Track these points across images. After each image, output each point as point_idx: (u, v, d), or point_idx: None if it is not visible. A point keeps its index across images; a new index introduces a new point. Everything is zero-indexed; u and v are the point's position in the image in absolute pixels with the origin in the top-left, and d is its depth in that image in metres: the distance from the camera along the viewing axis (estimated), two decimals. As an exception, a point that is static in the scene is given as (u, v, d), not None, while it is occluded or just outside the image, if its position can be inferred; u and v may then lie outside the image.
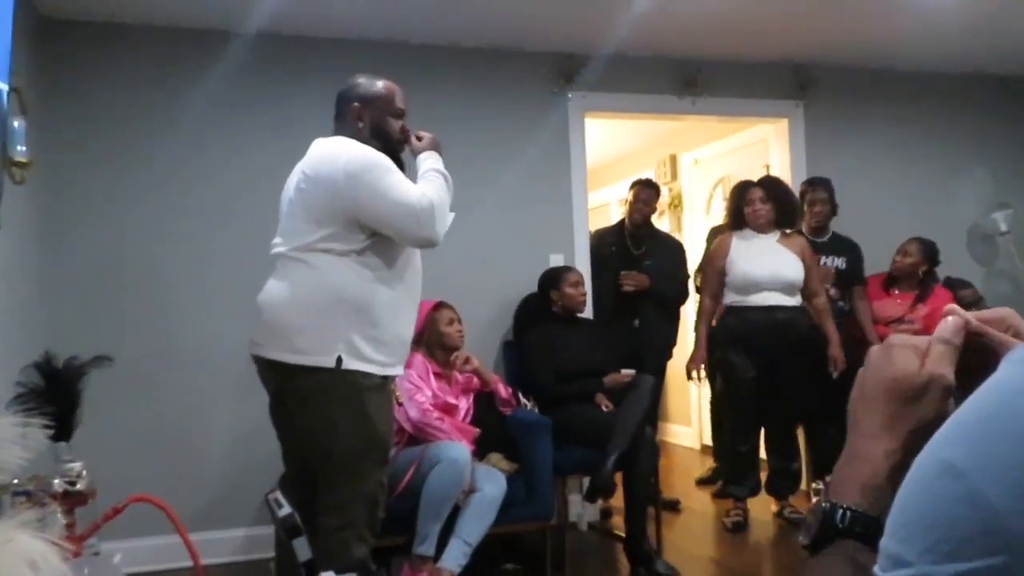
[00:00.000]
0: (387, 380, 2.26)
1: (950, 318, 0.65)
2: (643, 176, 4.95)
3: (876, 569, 0.49)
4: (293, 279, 2.19)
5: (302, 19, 3.55)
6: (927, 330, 3.22)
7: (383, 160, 2.18)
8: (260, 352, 2.23)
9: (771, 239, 3.75)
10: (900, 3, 3.52)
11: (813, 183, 4.12)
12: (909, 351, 0.65)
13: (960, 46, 4.21)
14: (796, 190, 4.44)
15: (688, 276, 4.33)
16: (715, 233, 4.50)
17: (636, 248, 4.21)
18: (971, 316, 0.66)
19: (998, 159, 4.64)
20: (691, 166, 5.64)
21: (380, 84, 2.32)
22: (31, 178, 2.70)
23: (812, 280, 3.73)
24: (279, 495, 2.28)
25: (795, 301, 3.70)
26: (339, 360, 2.13)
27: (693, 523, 4.05)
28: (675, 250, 4.34)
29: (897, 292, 4.07)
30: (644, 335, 4.09)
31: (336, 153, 2.19)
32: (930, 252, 4.05)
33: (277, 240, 2.28)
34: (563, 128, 4.10)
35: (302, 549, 2.16)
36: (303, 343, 2.14)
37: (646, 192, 4.26)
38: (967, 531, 0.44)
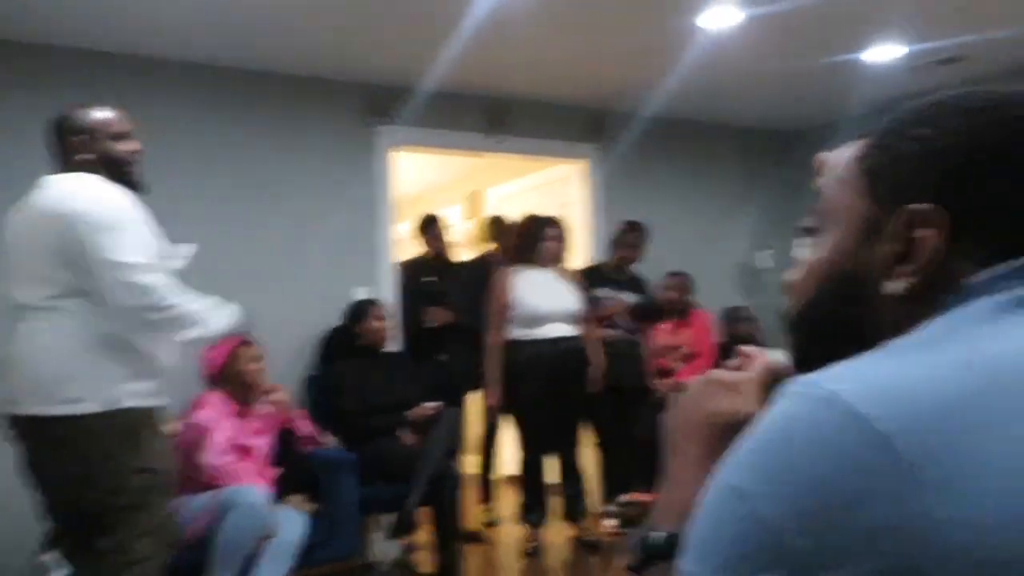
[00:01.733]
0: (157, 410, 2.21)
1: (759, 361, 0.74)
2: (449, 209, 5.03)
3: None
4: (52, 328, 2.05)
5: (98, 35, 3.29)
6: (696, 351, 3.53)
7: (123, 214, 2.08)
8: (19, 410, 2.07)
9: (551, 272, 3.91)
10: (690, 57, 3.86)
11: (634, 226, 4.37)
12: (724, 388, 0.72)
13: (733, 101, 4.69)
14: (596, 227, 4.71)
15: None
16: (482, 263, 4.52)
17: (438, 280, 4.26)
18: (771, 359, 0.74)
19: (763, 204, 5.19)
20: (496, 201, 5.80)
21: (98, 110, 2.22)
22: None
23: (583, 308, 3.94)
24: (50, 558, 2.08)
25: (576, 331, 3.87)
26: (111, 402, 2.05)
27: (494, 553, 4.11)
28: (480, 280, 4.38)
29: (663, 322, 4.44)
30: (452, 367, 4.12)
31: (77, 196, 2.08)
32: (688, 283, 4.47)
33: (22, 290, 2.10)
34: (370, 160, 4.09)
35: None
36: (73, 392, 2.02)
37: (434, 228, 4.36)
38: (751, 548, 0.49)
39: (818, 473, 0.48)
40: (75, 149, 2.16)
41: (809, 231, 0.69)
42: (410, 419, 3.51)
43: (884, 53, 3.89)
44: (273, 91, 3.86)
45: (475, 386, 4.24)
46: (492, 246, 4.58)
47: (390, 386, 3.58)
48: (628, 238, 4.33)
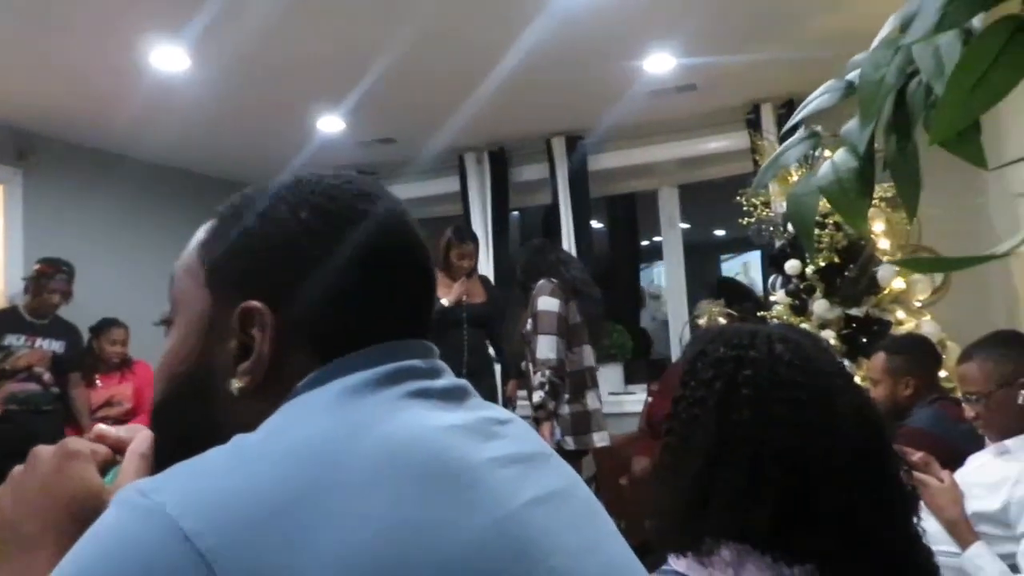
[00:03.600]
0: None
1: (144, 433, 0.64)
2: None
3: None
4: None
5: None
6: (136, 404, 3.27)
7: None
8: None
9: None
10: (138, 94, 3.60)
11: (59, 265, 3.80)
12: (88, 462, 0.60)
13: (183, 145, 4.53)
14: (11, 262, 4.06)
15: None
16: None
17: None
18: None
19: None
20: None
21: None
22: None
23: None
24: None
25: None
26: None
27: None
28: None
29: (99, 376, 4.05)
30: None
31: None
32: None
33: None
34: None
35: None
36: None
37: None
38: None
39: None
40: None
41: (165, 321, 0.64)
42: None
43: (330, 124, 4.20)
44: None
45: None
46: None
47: None
48: (52, 278, 3.81)
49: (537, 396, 3.17)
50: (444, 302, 3.56)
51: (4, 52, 3.19)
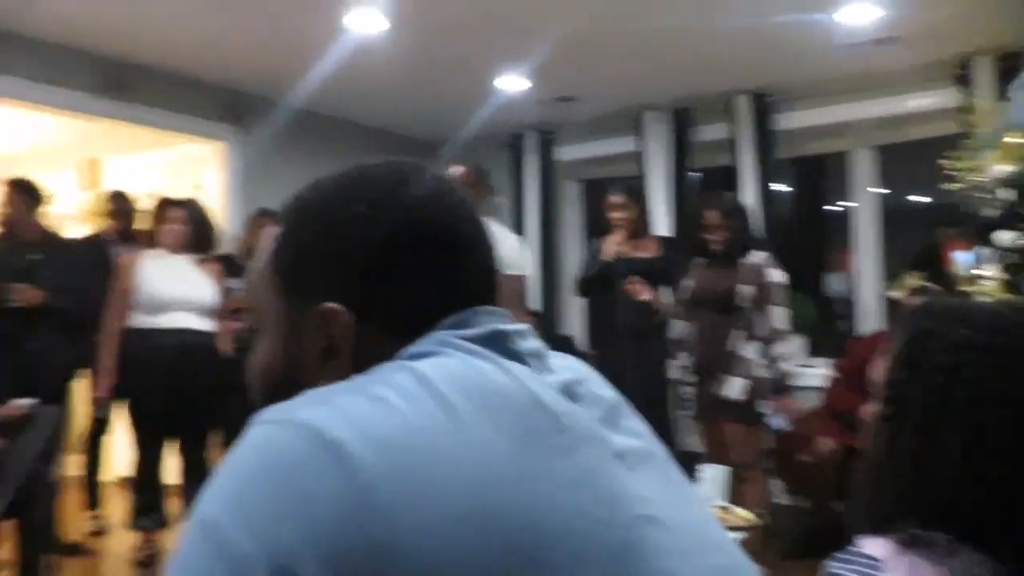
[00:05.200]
0: None
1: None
2: (59, 176, 4.38)
3: None
4: None
5: None
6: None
7: None
8: None
9: (186, 260, 3.64)
10: (320, 58, 3.85)
11: (270, 216, 4.15)
12: None
13: (376, 104, 4.78)
14: (231, 214, 4.47)
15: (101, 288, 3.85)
16: (94, 242, 4.11)
17: (27, 255, 3.64)
18: None
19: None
20: (119, 173, 5.22)
21: None
22: None
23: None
24: None
25: (208, 325, 3.61)
26: None
27: (100, 565, 3.71)
28: (80, 258, 3.83)
29: None
30: (39, 357, 3.55)
31: None
32: None
33: None
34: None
35: None
36: None
37: (23, 196, 3.62)
38: None
39: (293, 503, 0.48)
40: None
41: (253, 330, 0.71)
42: (-6, 420, 3.00)
43: (512, 83, 4.27)
44: None
45: (71, 376, 3.72)
46: (109, 223, 4.13)
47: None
48: (266, 227, 4.15)
49: (785, 365, 3.28)
50: (606, 258, 3.58)
51: (226, 18, 3.49)
